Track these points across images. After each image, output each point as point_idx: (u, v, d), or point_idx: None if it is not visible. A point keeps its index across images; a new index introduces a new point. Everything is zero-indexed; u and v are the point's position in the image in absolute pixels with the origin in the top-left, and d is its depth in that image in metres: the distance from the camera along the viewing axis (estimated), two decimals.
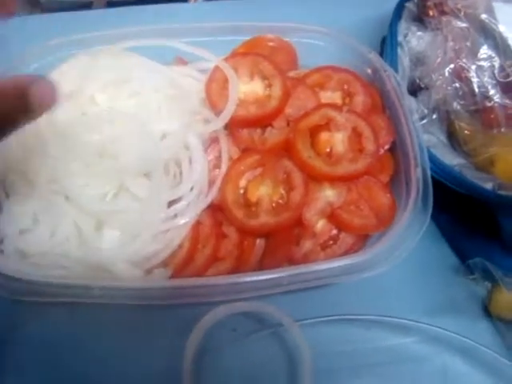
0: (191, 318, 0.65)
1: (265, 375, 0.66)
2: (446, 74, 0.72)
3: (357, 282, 0.65)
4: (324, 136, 0.67)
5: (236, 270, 0.65)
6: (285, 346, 0.66)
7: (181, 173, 0.66)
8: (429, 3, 0.75)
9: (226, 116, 0.65)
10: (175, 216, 0.64)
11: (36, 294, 0.59)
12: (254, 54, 0.72)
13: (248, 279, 0.61)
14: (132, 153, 0.63)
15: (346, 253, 0.64)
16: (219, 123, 0.66)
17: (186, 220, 0.64)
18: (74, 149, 0.63)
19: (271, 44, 0.76)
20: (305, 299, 0.67)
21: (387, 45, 0.74)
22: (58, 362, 0.65)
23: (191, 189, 0.64)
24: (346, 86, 0.72)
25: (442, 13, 0.74)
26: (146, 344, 0.66)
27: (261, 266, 0.66)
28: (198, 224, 0.65)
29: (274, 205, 0.64)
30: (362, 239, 0.66)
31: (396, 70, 0.71)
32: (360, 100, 0.71)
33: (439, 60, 0.72)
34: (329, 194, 0.65)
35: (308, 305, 0.67)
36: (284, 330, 0.66)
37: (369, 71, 0.74)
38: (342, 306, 0.67)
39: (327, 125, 0.68)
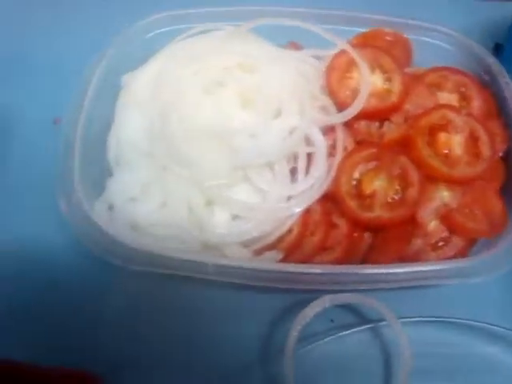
0: (292, 303, 0.66)
1: (358, 369, 0.65)
2: None
3: (459, 285, 0.65)
4: (443, 137, 0.66)
5: (342, 261, 0.64)
6: (382, 342, 0.66)
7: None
8: None
9: (353, 110, 0.64)
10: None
11: (151, 264, 0.59)
12: (375, 47, 0.71)
13: (361, 271, 0.60)
14: (257, 146, 0.63)
15: (455, 256, 0.64)
16: (344, 117, 0.65)
17: (299, 209, 0.63)
18: (197, 129, 0.63)
19: (388, 38, 0.75)
20: (404, 297, 0.67)
21: (506, 51, 0.73)
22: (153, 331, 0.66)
23: (312, 185, 0.63)
24: (462, 89, 0.71)
25: None
26: (244, 325, 0.66)
27: (367, 260, 0.65)
28: (308, 211, 0.65)
29: (389, 199, 0.63)
30: (471, 244, 0.65)
31: None
32: (476, 104, 0.70)
33: None
34: (444, 195, 0.64)
35: (407, 303, 0.66)
36: (383, 326, 0.65)
37: (485, 76, 0.72)
38: (441, 308, 0.67)
39: (445, 126, 0.67)
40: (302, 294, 0.65)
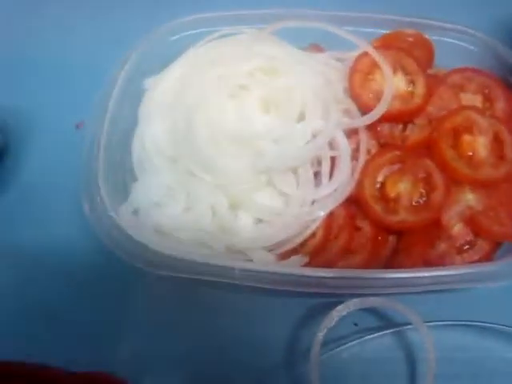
0: (316, 306, 0.67)
1: (381, 373, 0.65)
2: None
3: (485, 289, 0.64)
4: (467, 139, 0.66)
5: (367, 264, 0.64)
6: (407, 346, 0.66)
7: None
8: None
9: (377, 113, 0.64)
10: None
11: (176, 269, 0.59)
12: (397, 48, 0.71)
13: (386, 276, 0.60)
14: (280, 150, 0.63)
15: (481, 259, 0.63)
16: (368, 120, 0.65)
17: (323, 213, 0.63)
18: (221, 133, 0.63)
19: (410, 39, 0.75)
20: (428, 301, 0.66)
21: None
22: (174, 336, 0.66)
23: (335, 189, 0.63)
24: (486, 91, 0.71)
25: None
26: (269, 327, 0.67)
27: (391, 263, 0.65)
28: (332, 214, 0.65)
29: (413, 203, 0.63)
30: (496, 247, 0.65)
31: None
32: (500, 106, 0.70)
33: None
34: (469, 198, 0.64)
35: (431, 307, 0.66)
36: (408, 330, 0.65)
37: (510, 77, 0.72)
38: (466, 311, 0.66)
39: (469, 128, 0.66)
40: (326, 297, 0.65)
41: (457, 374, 0.64)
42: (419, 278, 0.60)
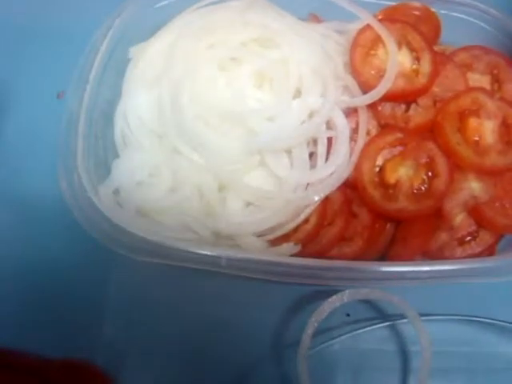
0: (309, 295, 0.64)
1: (373, 366, 0.63)
2: None
3: (483, 284, 0.61)
4: (473, 122, 0.61)
5: (363, 253, 0.60)
6: (401, 339, 0.63)
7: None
8: None
9: (379, 92, 0.59)
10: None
11: (159, 255, 0.55)
12: (403, 22, 0.65)
13: (381, 269, 0.56)
14: (274, 129, 0.58)
15: (484, 252, 0.60)
16: (369, 99, 0.60)
17: (318, 198, 0.59)
18: (210, 109, 0.58)
19: (416, 13, 0.69)
20: (425, 294, 0.63)
21: None
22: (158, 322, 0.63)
23: (331, 173, 0.59)
24: (495, 71, 0.66)
25: None
26: (259, 316, 0.63)
27: (388, 253, 0.61)
28: (326, 199, 0.61)
29: (414, 190, 0.59)
30: (499, 240, 0.61)
31: None
32: (510, 88, 0.66)
33: None
34: (474, 187, 0.60)
35: (428, 300, 0.63)
36: (402, 324, 0.62)
37: None
38: (464, 306, 0.63)
39: (476, 111, 0.62)
40: (318, 285, 0.62)
41: (452, 368, 0.62)
42: (417, 272, 0.56)
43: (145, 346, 0.62)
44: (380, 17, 0.70)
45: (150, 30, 0.68)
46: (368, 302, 0.63)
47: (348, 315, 0.63)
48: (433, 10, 0.70)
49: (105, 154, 0.63)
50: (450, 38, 0.71)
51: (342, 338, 0.61)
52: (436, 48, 0.69)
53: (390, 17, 0.69)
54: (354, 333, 0.61)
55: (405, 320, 0.59)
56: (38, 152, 0.69)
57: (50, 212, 0.65)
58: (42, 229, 0.65)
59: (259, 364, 0.61)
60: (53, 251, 0.64)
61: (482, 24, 0.69)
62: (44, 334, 0.61)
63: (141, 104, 0.62)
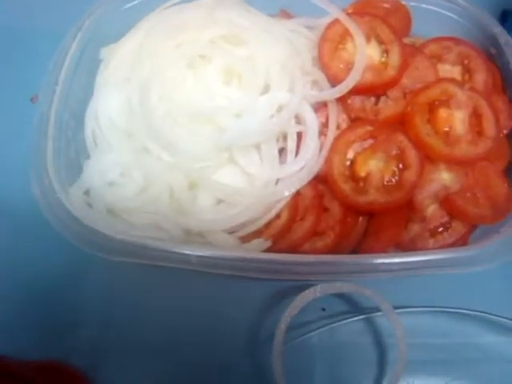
0: (282, 290, 0.64)
1: (350, 359, 0.63)
2: None
3: (457, 274, 0.61)
4: (443, 113, 0.61)
5: (335, 247, 0.60)
6: (377, 332, 0.63)
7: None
8: None
9: (347, 85, 0.59)
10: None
11: (130, 255, 0.55)
12: (372, 15, 0.65)
13: (353, 261, 0.57)
14: (243, 125, 0.58)
15: (456, 242, 0.60)
16: (337, 93, 0.60)
17: (288, 193, 0.59)
18: (178, 107, 0.58)
19: (386, 6, 0.70)
20: (399, 286, 0.63)
21: None
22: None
23: (301, 168, 0.59)
24: (466, 61, 0.66)
25: None
26: (232, 312, 0.64)
27: (361, 247, 0.61)
28: (298, 194, 0.61)
29: (385, 182, 0.59)
30: (472, 230, 0.61)
31: None
32: (481, 78, 0.65)
33: None
34: (445, 177, 0.60)
35: (402, 293, 0.63)
36: (377, 316, 0.62)
37: (491, 48, 0.67)
38: (438, 297, 0.63)
39: (446, 101, 0.62)
40: (292, 280, 0.61)
41: (428, 360, 0.62)
42: (389, 264, 0.56)
43: (121, 345, 0.62)
44: (350, 10, 0.70)
45: (121, 30, 0.68)
46: (343, 296, 0.63)
47: (324, 309, 0.63)
48: (403, 2, 0.70)
49: (76, 155, 0.63)
50: (421, 31, 0.71)
51: (318, 331, 0.61)
52: (407, 40, 0.69)
53: (359, 10, 0.69)
54: (330, 326, 0.61)
55: (380, 313, 0.59)
56: (10, 156, 0.69)
57: (22, 214, 0.65)
58: (15, 231, 0.65)
59: (236, 360, 0.62)
60: (26, 254, 0.64)
61: (453, 15, 0.69)
62: (19, 337, 0.61)
63: (111, 104, 0.62)
